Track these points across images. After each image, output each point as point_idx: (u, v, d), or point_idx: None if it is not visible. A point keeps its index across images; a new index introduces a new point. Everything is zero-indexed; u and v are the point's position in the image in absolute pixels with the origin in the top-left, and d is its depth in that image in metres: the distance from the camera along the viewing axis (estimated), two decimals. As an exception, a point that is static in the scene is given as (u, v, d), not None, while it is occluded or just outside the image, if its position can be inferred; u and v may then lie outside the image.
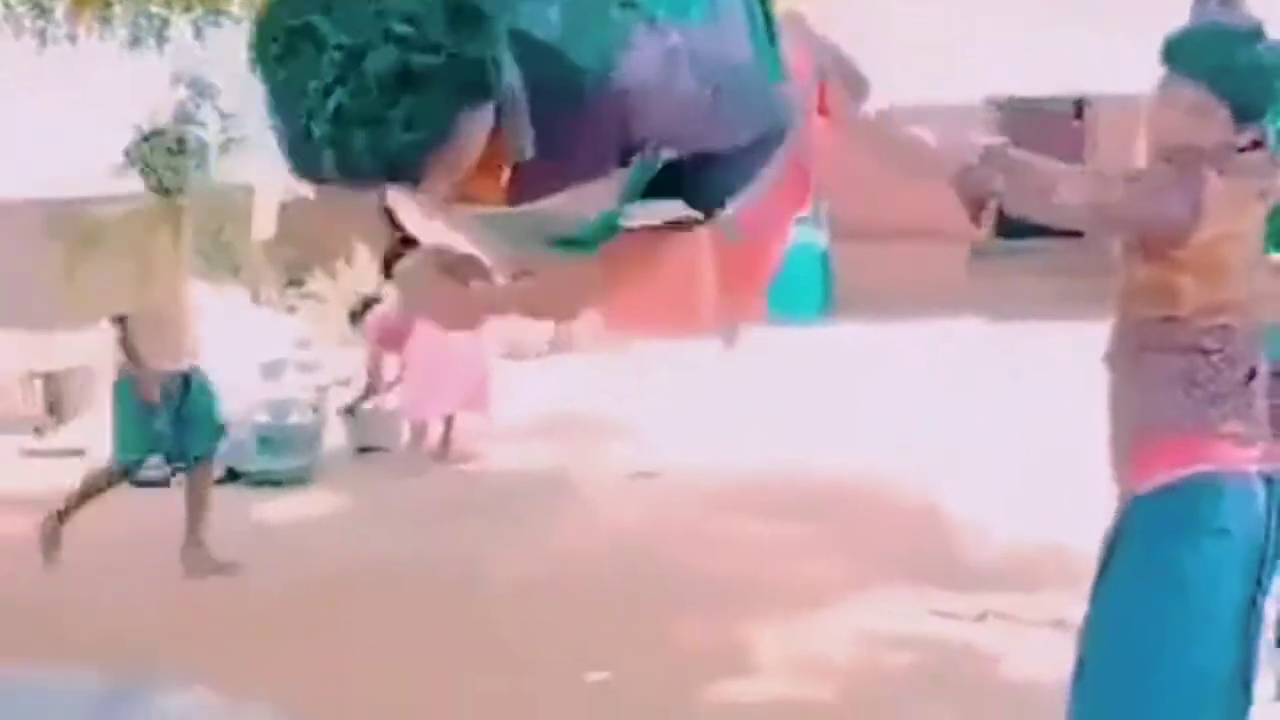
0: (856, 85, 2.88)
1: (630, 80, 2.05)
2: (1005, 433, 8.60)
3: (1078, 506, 6.84)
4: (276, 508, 8.16)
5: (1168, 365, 3.06)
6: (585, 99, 2.04)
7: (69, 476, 8.75)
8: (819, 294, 14.14)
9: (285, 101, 1.76)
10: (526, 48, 1.96)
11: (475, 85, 1.80)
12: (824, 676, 5.22)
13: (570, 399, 10.47)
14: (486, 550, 6.77)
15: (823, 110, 2.79)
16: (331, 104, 1.71)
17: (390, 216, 2.34)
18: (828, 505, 7.42)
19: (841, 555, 6.60)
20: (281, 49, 1.74)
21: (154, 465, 8.52)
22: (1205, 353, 3.05)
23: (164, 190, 6.62)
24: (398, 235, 2.33)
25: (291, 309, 13.17)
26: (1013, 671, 5.15)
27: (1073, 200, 3.08)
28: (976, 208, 3.09)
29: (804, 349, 11.67)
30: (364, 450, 9.36)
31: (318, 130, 1.72)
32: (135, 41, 9.65)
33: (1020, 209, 3.09)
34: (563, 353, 12.53)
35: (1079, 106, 16.25)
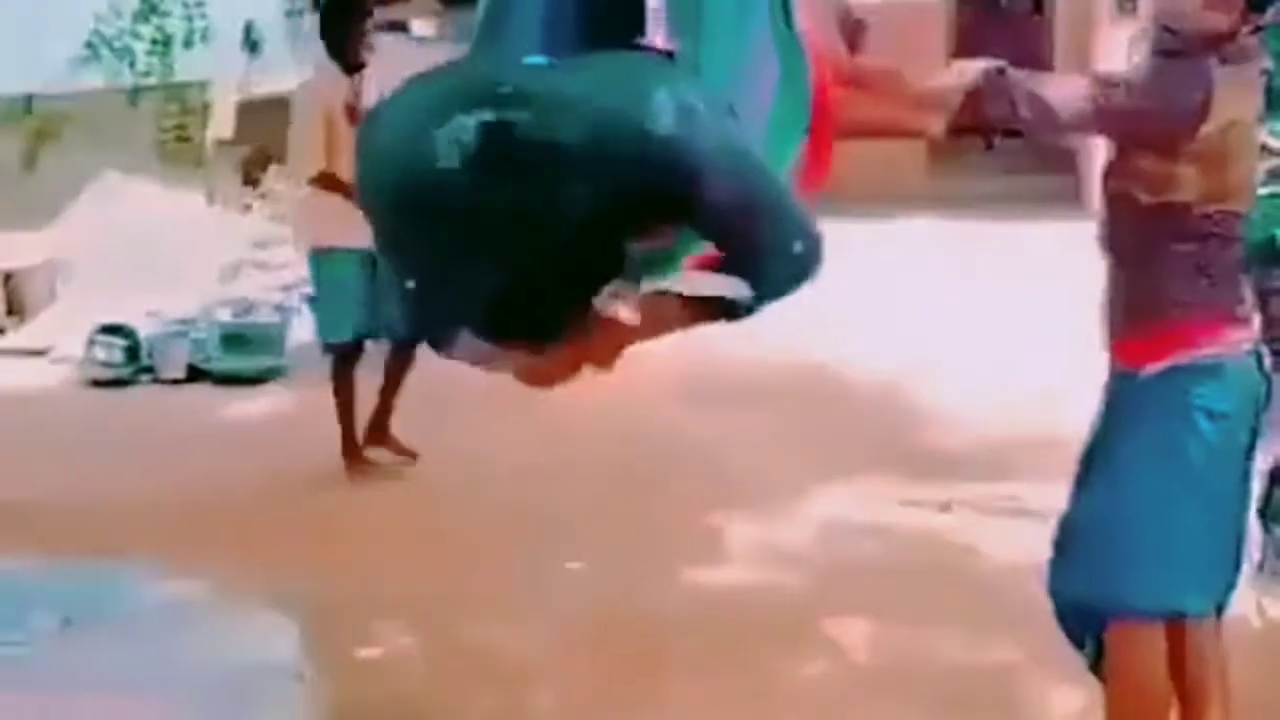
0: (857, 32, 2.92)
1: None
2: (967, 326, 8.67)
3: (1040, 397, 7.03)
4: (245, 406, 8.15)
5: (1173, 250, 3.12)
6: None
7: (33, 375, 8.78)
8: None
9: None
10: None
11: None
12: (793, 564, 5.31)
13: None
14: (456, 443, 6.81)
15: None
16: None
17: None
18: (794, 397, 7.49)
19: (809, 446, 6.67)
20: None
21: (116, 363, 8.56)
22: (1210, 238, 3.12)
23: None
24: None
25: (247, 207, 13.07)
26: (980, 559, 5.26)
27: (1079, 112, 3.10)
28: (988, 133, 3.14)
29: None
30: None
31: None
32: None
33: (1031, 130, 3.13)
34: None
35: (1038, 1, 16.21)
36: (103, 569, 4.73)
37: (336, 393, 6.64)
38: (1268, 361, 3.33)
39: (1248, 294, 3.22)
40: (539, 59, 2.05)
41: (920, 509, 5.84)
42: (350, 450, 6.57)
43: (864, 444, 6.68)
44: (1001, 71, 3.12)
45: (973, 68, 3.15)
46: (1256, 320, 3.26)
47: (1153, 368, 3.17)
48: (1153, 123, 3.08)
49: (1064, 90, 3.13)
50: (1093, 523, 3.31)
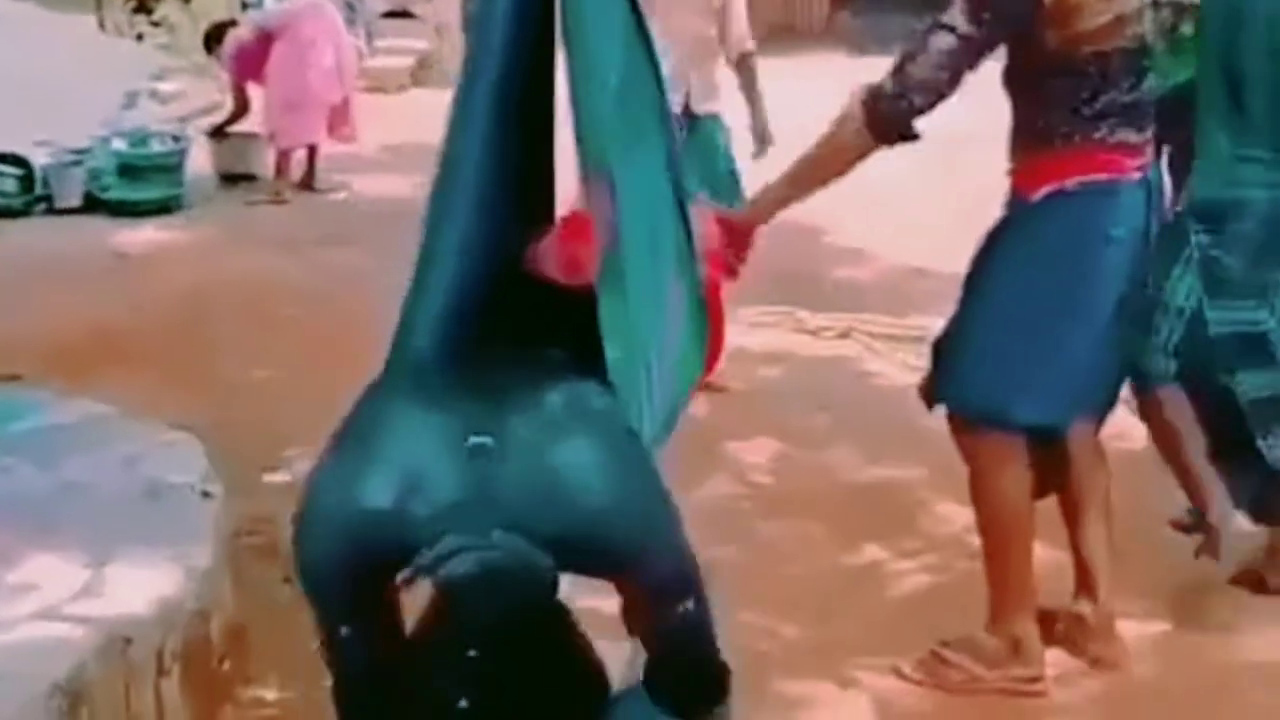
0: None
1: None
2: (876, 164, 8.68)
3: (953, 230, 7.09)
4: (139, 235, 8.03)
5: (1054, 87, 3.24)
6: None
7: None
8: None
9: None
10: None
11: None
12: (697, 390, 5.36)
13: (433, 131, 10.33)
14: (356, 274, 6.78)
15: None
16: None
17: None
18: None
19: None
20: None
21: (10, 193, 8.40)
22: (1084, 75, 3.21)
23: None
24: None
25: (140, 37, 12.71)
26: (880, 381, 5.36)
27: (953, 66, 3.15)
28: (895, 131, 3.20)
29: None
30: (229, 179, 9.19)
31: None
32: None
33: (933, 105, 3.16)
34: (424, 87, 12.31)
35: None
36: (3, 391, 4.68)
37: None
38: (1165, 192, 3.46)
39: (1142, 126, 3.29)
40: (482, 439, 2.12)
41: (820, 337, 5.93)
42: None
43: (771, 276, 6.70)
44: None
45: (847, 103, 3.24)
46: (1149, 150, 3.36)
47: (1038, 193, 3.29)
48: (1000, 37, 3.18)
49: (931, 58, 3.15)
50: (963, 336, 3.45)
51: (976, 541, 3.55)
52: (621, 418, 2.27)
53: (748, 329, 6.04)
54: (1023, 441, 3.41)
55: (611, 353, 2.31)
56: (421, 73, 12.49)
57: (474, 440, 2.10)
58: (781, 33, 14.27)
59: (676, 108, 3.37)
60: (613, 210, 2.34)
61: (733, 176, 5.35)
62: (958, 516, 4.18)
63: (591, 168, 2.35)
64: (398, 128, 10.01)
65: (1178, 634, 3.74)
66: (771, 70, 12.29)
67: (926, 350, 3.67)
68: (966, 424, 3.47)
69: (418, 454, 2.13)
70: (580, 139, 2.34)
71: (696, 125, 5.33)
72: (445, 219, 2.43)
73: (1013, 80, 3.32)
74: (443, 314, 2.41)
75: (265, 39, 8.93)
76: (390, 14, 13.02)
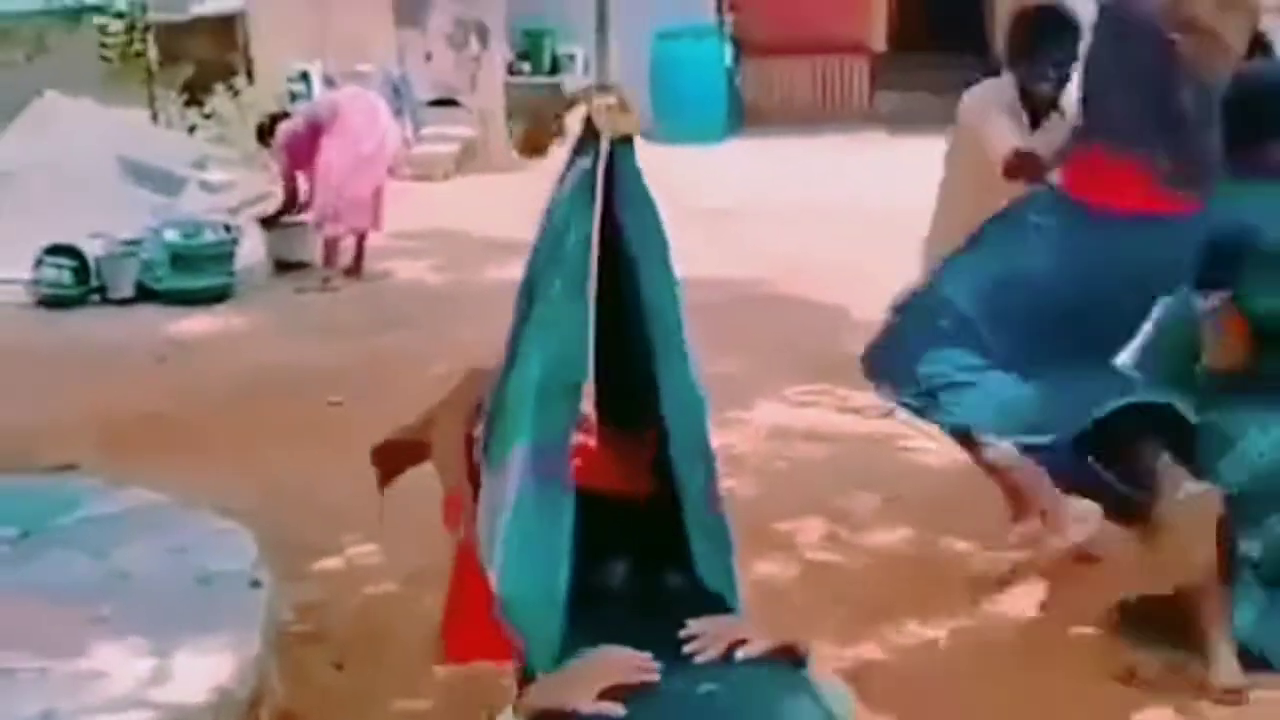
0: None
1: None
2: (906, 240, 8.72)
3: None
4: (191, 324, 8.14)
5: None
6: None
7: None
8: (724, 112, 14.12)
9: None
10: None
11: None
12: (743, 472, 5.38)
13: (476, 218, 10.43)
14: (404, 357, 6.84)
15: None
16: None
17: None
18: (736, 307, 7.49)
19: (750, 355, 6.70)
20: None
21: (64, 284, 8.54)
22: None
23: None
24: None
25: (192, 129, 12.93)
26: (926, 459, 5.35)
27: None
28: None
29: (710, 163, 11.79)
30: (281, 266, 9.32)
31: None
32: None
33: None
34: (468, 174, 12.45)
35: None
36: (59, 482, 4.75)
37: None
38: None
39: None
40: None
41: (864, 416, 5.92)
42: None
43: (805, 354, 6.72)
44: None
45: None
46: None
47: None
48: None
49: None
50: None
51: (1027, 614, 3.56)
52: None
53: (791, 408, 6.06)
54: None
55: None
56: (466, 160, 12.64)
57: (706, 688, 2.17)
58: (825, 112, 14.42)
59: None
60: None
61: None
62: (1009, 598, 4.19)
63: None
64: (444, 214, 10.16)
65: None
66: (818, 146, 12.45)
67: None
68: None
69: None
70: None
71: None
72: None
73: None
74: None
75: (315, 129, 9.09)
76: (436, 102, 13.19)
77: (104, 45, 13.14)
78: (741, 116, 14.47)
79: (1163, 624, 3.83)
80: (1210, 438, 3.57)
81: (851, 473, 5.39)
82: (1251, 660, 3.73)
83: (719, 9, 14.57)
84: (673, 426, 2.55)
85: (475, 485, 2.74)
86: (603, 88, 2.62)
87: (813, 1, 14.37)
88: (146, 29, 13.10)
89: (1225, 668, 3.64)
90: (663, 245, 2.55)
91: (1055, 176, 4.16)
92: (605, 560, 2.54)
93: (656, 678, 2.18)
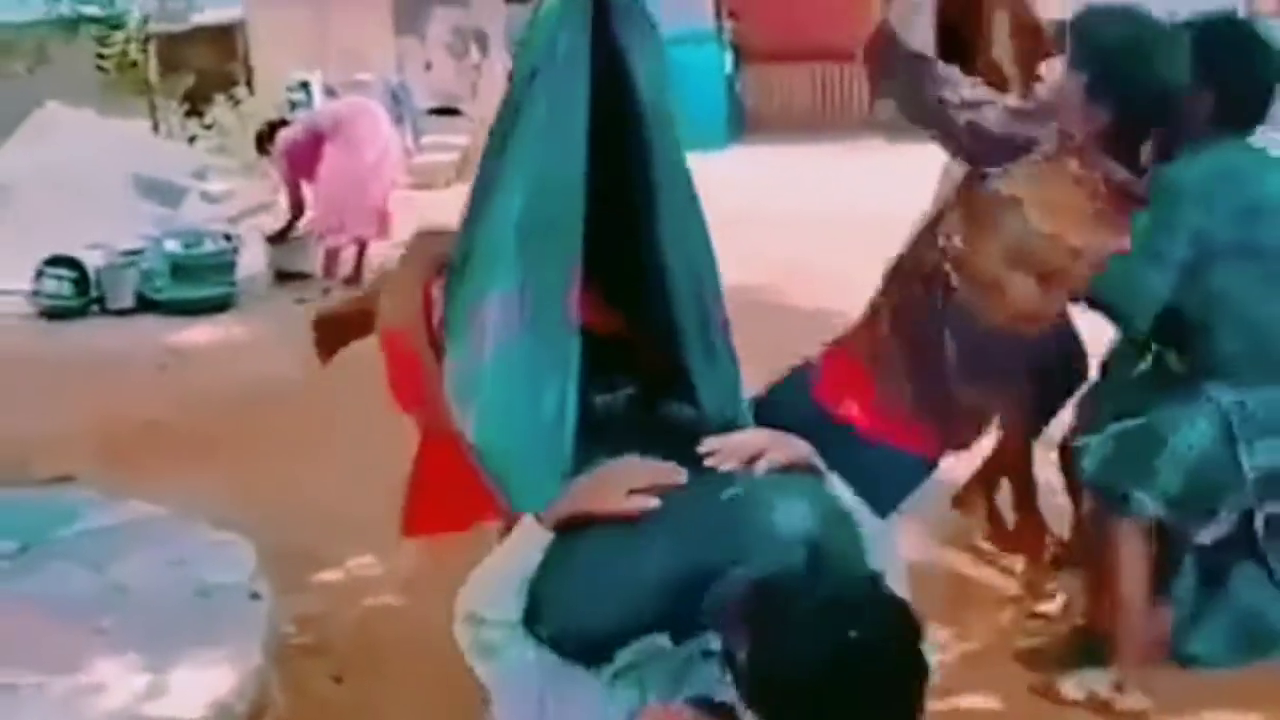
0: None
1: None
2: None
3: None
4: (191, 334, 8.14)
5: None
6: None
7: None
8: (724, 119, 14.12)
9: None
10: None
11: None
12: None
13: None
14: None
15: None
16: None
17: None
18: (737, 314, 7.45)
19: (750, 363, 6.66)
20: None
21: (65, 295, 8.54)
22: None
23: None
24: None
25: (192, 139, 12.95)
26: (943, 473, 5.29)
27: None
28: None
29: (710, 170, 11.73)
30: (282, 276, 9.31)
31: None
32: None
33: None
34: (470, 182, 12.44)
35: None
36: (57, 494, 4.75)
37: None
38: None
39: None
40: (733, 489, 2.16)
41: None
42: None
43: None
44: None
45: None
46: None
47: None
48: None
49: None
50: None
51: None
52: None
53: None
54: None
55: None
56: (467, 168, 12.63)
57: (730, 492, 2.16)
58: (824, 119, 14.42)
59: None
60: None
61: None
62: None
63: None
64: (445, 222, 10.13)
65: None
66: (816, 154, 12.45)
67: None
68: None
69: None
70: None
71: None
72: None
73: None
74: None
75: (317, 138, 9.07)
76: (436, 110, 13.20)
77: (101, 56, 13.16)
78: (742, 123, 14.47)
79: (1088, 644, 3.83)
80: (1145, 439, 3.54)
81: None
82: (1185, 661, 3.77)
83: (718, 15, 14.59)
84: (670, 256, 2.49)
85: (436, 350, 2.64)
86: None
87: (812, 8, 14.37)
88: (147, 40, 13.13)
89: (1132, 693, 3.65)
90: (663, 71, 2.48)
91: None
92: (603, 394, 2.51)
93: (683, 479, 2.16)
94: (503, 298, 2.37)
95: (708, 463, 2.23)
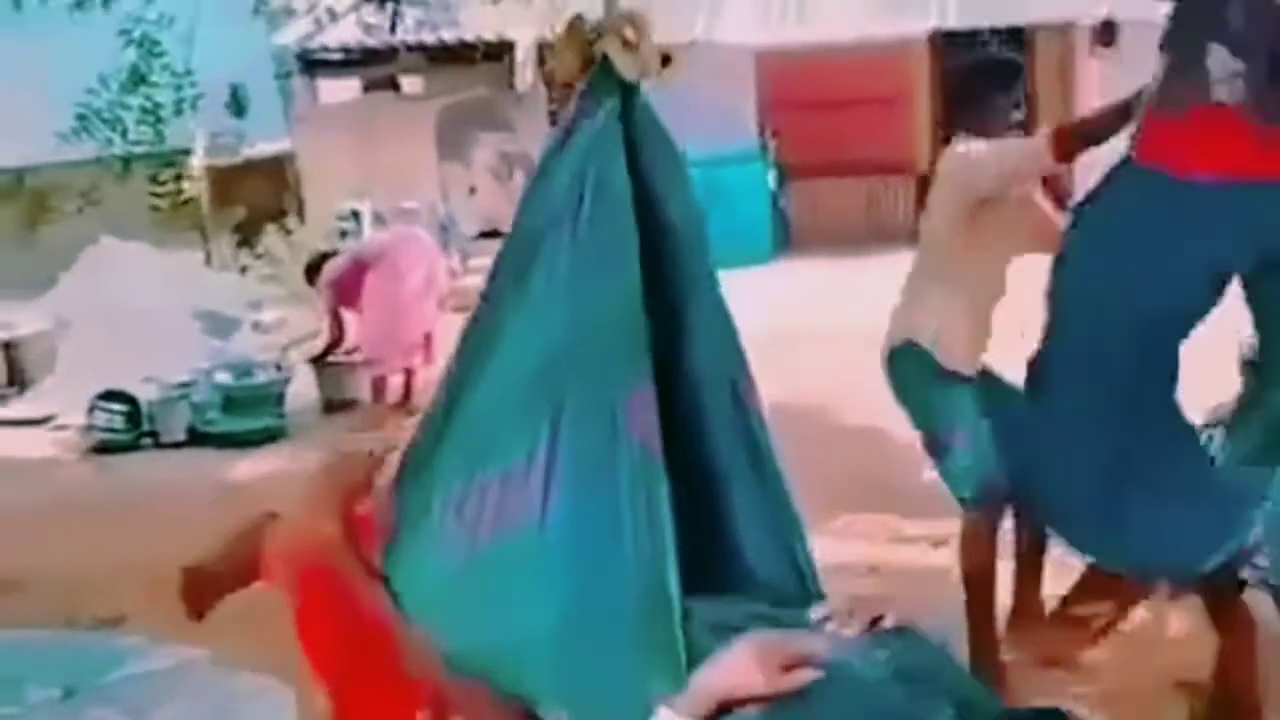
0: None
1: None
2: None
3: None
4: (247, 467, 8.18)
5: None
6: None
7: (35, 445, 8.80)
8: (770, 236, 14.20)
9: None
10: None
11: None
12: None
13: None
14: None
15: None
16: None
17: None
18: (785, 436, 7.42)
19: (798, 484, 6.62)
20: None
21: (117, 429, 8.61)
22: None
23: None
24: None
25: (244, 269, 13.14)
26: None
27: None
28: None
29: (756, 286, 11.77)
30: (332, 406, 9.36)
31: None
32: (80, 2, 9.44)
33: None
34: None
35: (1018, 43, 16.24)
36: (103, 638, 4.75)
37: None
38: None
39: None
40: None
41: (915, 545, 5.84)
42: None
43: (854, 481, 6.64)
44: None
45: None
46: None
47: None
48: None
49: None
50: None
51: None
52: None
53: (841, 541, 5.97)
54: None
55: None
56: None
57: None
58: (870, 233, 14.45)
59: None
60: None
61: None
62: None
63: None
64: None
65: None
66: (862, 267, 12.44)
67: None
68: None
69: None
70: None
71: None
72: None
73: None
74: None
75: (360, 268, 9.15)
76: (484, 234, 13.36)
77: (155, 195, 13.40)
78: (788, 238, 14.53)
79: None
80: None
81: (907, 607, 5.28)
82: None
83: (761, 133, 14.72)
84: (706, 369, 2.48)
85: (369, 571, 2.53)
86: (619, 19, 2.40)
87: (857, 123, 14.50)
88: (197, 178, 13.37)
89: None
90: (688, 188, 2.45)
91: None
92: None
93: (823, 648, 2.01)
94: (505, 475, 2.29)
95: (829, 626, 2.16)
